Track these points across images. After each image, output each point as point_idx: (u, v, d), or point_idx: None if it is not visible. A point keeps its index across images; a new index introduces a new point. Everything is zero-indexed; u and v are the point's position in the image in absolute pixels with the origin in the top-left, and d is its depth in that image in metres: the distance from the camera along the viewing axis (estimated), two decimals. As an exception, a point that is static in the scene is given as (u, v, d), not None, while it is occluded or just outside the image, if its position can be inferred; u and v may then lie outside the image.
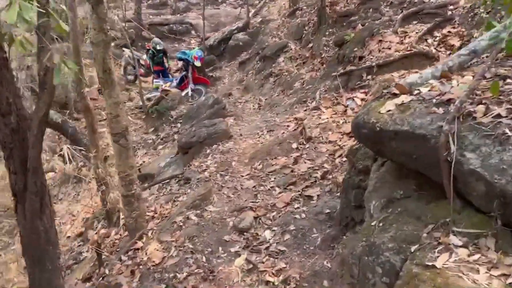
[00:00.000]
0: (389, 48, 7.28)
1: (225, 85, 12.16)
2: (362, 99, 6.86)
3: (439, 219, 2.45)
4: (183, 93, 11.93)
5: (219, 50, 14.34)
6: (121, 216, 5.86)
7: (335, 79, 7.64)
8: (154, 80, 13.01)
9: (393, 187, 3.11)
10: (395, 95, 3.00)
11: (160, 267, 4.53)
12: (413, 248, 2.39)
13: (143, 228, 5.35)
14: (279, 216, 4.91)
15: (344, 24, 9.87)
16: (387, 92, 3.11)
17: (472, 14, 6.90)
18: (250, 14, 16.31)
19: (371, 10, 9.34)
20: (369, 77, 7.13)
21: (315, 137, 6.31)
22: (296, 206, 4.98)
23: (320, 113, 6.98)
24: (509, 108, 2.29)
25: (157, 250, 4.78)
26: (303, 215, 4.77)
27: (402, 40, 7.35)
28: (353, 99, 6.93)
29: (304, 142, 6.38)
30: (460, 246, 2.18)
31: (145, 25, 18.04)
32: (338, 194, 4.82)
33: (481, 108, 2.38)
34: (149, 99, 12.35)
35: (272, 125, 7.69)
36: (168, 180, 6.86)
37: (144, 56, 14.11)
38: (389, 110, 2.84)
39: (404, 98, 2.84)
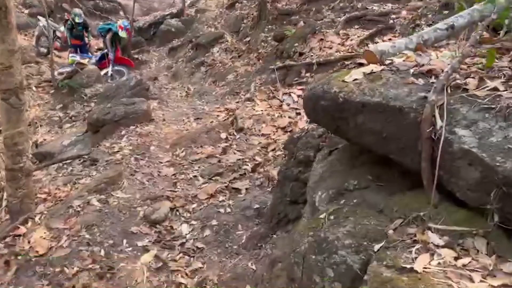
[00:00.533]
0: (330, 48, 6.99)
1: (152, 70, 11.20)
2: (298, 96, 6.45)
3: (409, 213, 1.96)
4: (102, 72, 10.74)
5: (148, 34, 13.31)
6: (4, 195, 4.75)
7: (272, 73, 7.18)
8: (70, 55, 11.61)
9: (345, 177, 2.60)
10: (361, 65, 2.51)
11: (45, 259, 3.59)
12: (377, 246, 1.87)
13: (30, 211, 4.33)
14: (200, 209, 4.22)
15: (284, 22, 9.53)
16: (351, 63, 2.62)
17: (413, 25, 6.86)
18: (186, 4, 15.51)
19: (313, 11, 9.10)
20: (308, 74, 6.76)
21: (247, 128, 5.73)
22: (220, 199, 4.33)
23: (254, 105, 6.44)
24: (504, 82, 1.88)
25: (44, 238, 3.83)
26: (228, 210, 4.14)
27: (343, 41, 7.11)
28: (290, 95, 6.50)
29: (235, 133, 5.77)
30: (443, 247, 1.69)
31: (68, -3, 16.36)
32: (270, 188, 4.27)
33: (472, 81, 1.95)
34: (61, 74, 10.97)
35: (200, 113, 6.99)
36: (70, 161, 5.82)
37: (62, 28, 12.63)
38: (356, 79, 2.33)
39: (374, 68, 2.36)
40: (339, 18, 7.76)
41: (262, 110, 6.14)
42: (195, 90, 8.99)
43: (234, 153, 5.23)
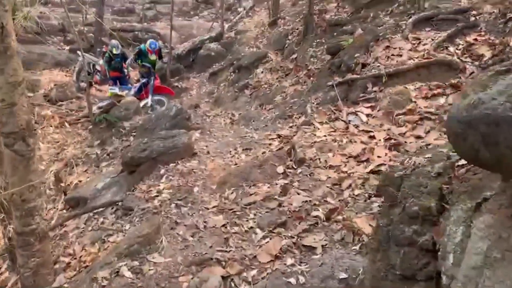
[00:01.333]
0: (400, 55, 5.76)
1: (192, 97, 10.36)
2: (368, 115, 5.24)
3: None
4: (142, 103, 10.02)
5: (188, 60, 12.59)
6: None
7: (330, 91, 6.01)
8: (109, 87, 11.03)
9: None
10: None
11: None
12: None
13: (47, 285, 3.36)
14: (262, 278, 3.07)
15: (335, 33, 8.39)
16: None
17: (503, 20, 5.51)
18: (225, 27, 14.81)
19: (368, 18, 7.92)
20: (376, 88, 5.55)
21: (309, 159, 4.56)
22: (289, 262, 3.15)
23: (313, 129, 5.27)
24: None
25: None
26: (302, 279, 2.95)
27: (415, 47, 5.86)
28: (357, 114, 5.29)
29: (294, 166, 4.62)
30: None
31: (107, 30, 16.13)
32: (358, 247, 3.06)
33: None
34: (100, 108, 10.38)
35: (249, 142, 5.91)
36: (102, 209, 4.89)
37: (101, 61, 12.18)
38: None
39: None
40: (404, 22, 6.52)
41: (325, 136, 4.97)
42: (240, 116, 7.98)
43: (298, 193, 4.06)
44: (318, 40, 8.65)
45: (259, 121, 6.88)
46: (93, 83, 12.79)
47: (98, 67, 12.17)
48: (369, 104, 5.39)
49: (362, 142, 4.64)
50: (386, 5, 8.15)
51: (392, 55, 5.78)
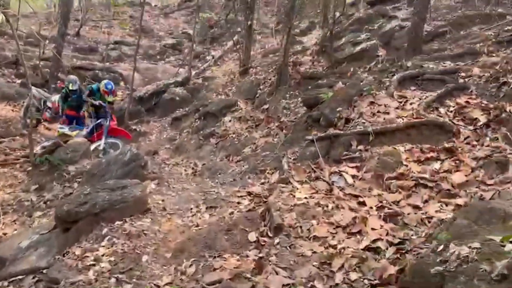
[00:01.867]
0: (387, 113, 5.23)
1: (151, 143, 9.41)
2: (353, 176, 4.54)
3: None
4: (93, 146, 8.95)
5: (150, 103, 11.72)
6: None
7: (310, 145, 5.32)
8: (59, 126, 9.91)
9: None
10: None
11: None
12: None
13: None
14: None
15: (310, 87, 7.93)
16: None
17: (496, 84, 5.15)
18: (192, 74, 14.24)
19: (347, 74, 7.52)
20: (361, 146, 4.91)
21: (289, 226, 3.73)
22: None
23: (292, 189, 4.49)
24: None
25: None
26: None
27: (402, 105, 5.37)
28: (341, 175, 4.59)
29: (270, 233, 3.76)
30: None
31: (66, 66, 15.12)
32: None
33: None
34: (44, 148, 9.21)
35: (214, 199, 5.01)
36: (20, 277, 3.74)
37: (53, 98, 11.12)
38: None
39: None
40: (386, 79, 6.10)
41: (306, 198, 4.19)
42: (204, 166, 7.10)
43: (276, 272, 3.18)
44: (291, 92, 8.14)
45: (226, 174, 6.03)
46: (42, 120, 11.60)
47: (49, 104, 11.08)
48: (354, 164, 4.71)
49: (350, 209, 3.89)
50: (363, 62, 7.85)
51: (378, 111, 5.24)
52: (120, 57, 17.33)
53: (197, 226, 4.27)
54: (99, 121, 9.79)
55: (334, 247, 3.38)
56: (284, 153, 5.64)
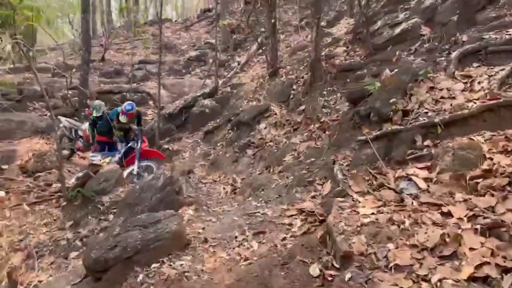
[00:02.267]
0: (453, 97, 4.36)
1: (185, 161, 8.85)
2: (426, 179, 3.71)
3: None
4: (126, 171, 8.50)
5: (180, 120, 11.22)
6: None
7: (364, 147, 4.54)
8: (91, 155, 9.57)
9: None
10: None
11: None
12: None
13: None
14: None
15: (348, 80, 7.13)
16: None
17: None
18: (219, 83, 13.69)
19: (391, 59, 6.65)
20: (428, 141, 4.08)
21: (359, 253, 2.98)
22: None
23: (353, 203, 3.72)
24: None
25: None
26: None
27: (469, 86, 4.48)
28: (410, 179, 3.78)
29: (336, 264, 3.02)
30: None
31: (94, 92, 14.96)
32: None
33: None
34: (78, 179, 8.87)
35: (260, 221, 4.31)
36: None
37: (83, 126, 10.84)
38: None
39: None
40: (442, 59, 5.21)
41: (373, 213, 3.41)
42: (244, 182, 6.43)
43: (356, 321, 2.44)
44: (329, 88, 7.35)
45: (270, 189, 5.32)
46: (75, 150, 11.35)
47: (80, 133, 10.81)
48: (423, 164, 3.89)
49: (434, 223, 3.08)
50: (405, 44, 6.94)
51: (442, 98, 4.38)
52: (146, 76, 17.08)
53: (246, 259, 3.57)
54: (129, 144, 9.36)
55: (426, 279, 2.59)
56: (334, 158, 4.86)
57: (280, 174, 5.97)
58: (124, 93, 14.76)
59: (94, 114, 9.09)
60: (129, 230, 3.86)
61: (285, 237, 3.77)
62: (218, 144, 8.72)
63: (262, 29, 12.40)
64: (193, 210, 5.14)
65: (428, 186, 3.60)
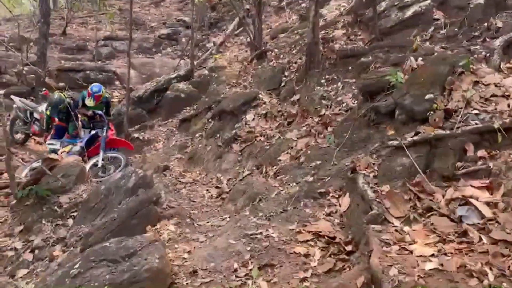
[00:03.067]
0: (508, 96, 3.48)
1: (159, 153, 7.68)
2: (488, 203, 2.82)
3: None
4: (89, 163, 7.26)
5: (151, 104, 9.94)
6: None
7: (394, 155, 3.60)
8: (47, 142, 8.23)
9: None
10: None
11: None
12: None
13: None
14: None
15: (352, 67, 6.17)
16: None
17: None
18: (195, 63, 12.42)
19: (401, 46, 5.74)
20: (482, 152, 3.19)
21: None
22: None
23: (398, 236, 2.78)
24: None
25: None
26: None
27: (523, 80, 3.62)
28: (466, 202, 2.88)
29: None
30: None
31: (53, 70, 13.31)
32: None
33: None
34: (32, 170, 7.60)
35: (265, 248, 3.30)
36: None
37: (40, 108, 9.37)
38: None
39: None
40: (476, 48, 4.32)
41: (435, 254, 2.48)
42: (232, 184, 5.40)
43: None
44: (328, 76, 6.37)
45: (270, 200, 4.30)
46: (30, 134, 9.86)
47: (36, 115, 9.32)
48: (480, 182, 2.99)
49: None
50: (416, 30, 6.05)
51: (493, 95, 3.49)
52: (112, 54, 15.48)
53: (256, 312, 2.57)
54: (94, 131, 8.09)
55: None
56: (352, 165, 3.90)
57: (277, 178, 4.97)
58: (88, 72, 13.20)
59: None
60: (94, 266, 2.76)
61: (305, 276, 2.80)
62: (197, 135, 7.59)
63: (247, 7, 11.20)
64: (174, 225, 4.07)
65: (495, 214, 2.71)
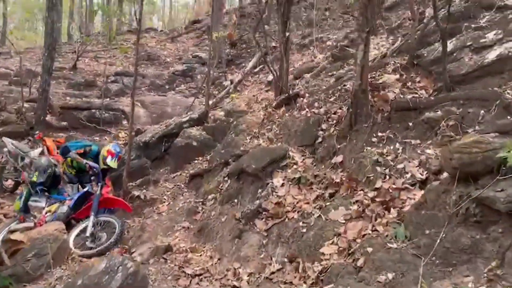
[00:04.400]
0: None
1: (162, 218, 6.16)
2: None
3: None
4: (74, 232, 5.81)
5: (158, 151, 8.52)
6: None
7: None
8: (32, 198, 6.83)
9: None
10: None
11: None
12: None
13: None
14: None
15: (412, 123, 4.69)
16: None
17: None
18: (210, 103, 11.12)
19: (482, 98, 4.25)
20: None
21: None
22: None
23: None
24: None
25: None
26: None
27: None
28: None
29: None
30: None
31: (56, 107, 12.16)
32: None
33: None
34: (12, 232, 6.26)
35: None
36: None
37: (32, 153, 8.06)
38: None
39: None
40: None
41: None
42: (256, 284, 3.84)
43: None
44: (380, 134, 4.88)
45: None
46: (21, 181, 8.49)
47: (27, 161, 7.97)
48: None
49: None
50: (503, 78, 4.57)
51: None
52: (122, 90, 14.35)
53: None
54: (86, 188, 6.70)
55: None
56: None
57: (323, 284, 3.39)
58: (93, 110, 12.00)
59: (35, 179, 6.45)
60: None
61: None
62: (210, 198, 6.09)
63: (273, 44, 9.96)
64: None
65: None
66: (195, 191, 6.63)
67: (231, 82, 13.27)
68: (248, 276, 4.10)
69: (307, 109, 6.11)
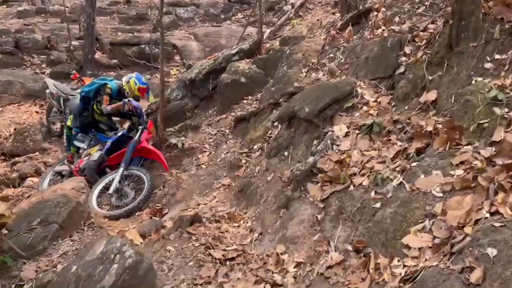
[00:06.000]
0: None
1: (199, 173, 5.05)
2: None
3: None
4: (96, 189, 4.99)
5: (205, 89, 7.29)
6: None
7: None
8: (74, 139, 6.21)
9: None
10: None
11: None
12: None
13: None
14: None
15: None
16: None
17: None
18: (265, 34, 9.54)
19: None
20: None
21: None
22: None
23: None
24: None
25: None
26: None
27: None
28: None
29: None
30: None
31: (106, 43, 11.35)
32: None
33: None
34: (57, 175, 5.72)
35: None
36: None
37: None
38: None
39: None
40: None
41: None
42: (304, 281, 2.61)
43: None
44: (498, 57, 3.12)
45: None
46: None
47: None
48: None
49: None
50: None
51: None
52: (175, 23, 13.10)
53: None
54: (121, 132, 5.83)
55: None
56: None
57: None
58: (143, 46, 10.98)
59: (69, 124, 5.71)
60: None
61: None
62: (255, 148, 4.83)
63: None
64: None
65: None
66: (240, 138, 5.41)
67: (292, 6, 11.40)
68: (295, 267, 2.88)
69: (383, 27, 4.36)
